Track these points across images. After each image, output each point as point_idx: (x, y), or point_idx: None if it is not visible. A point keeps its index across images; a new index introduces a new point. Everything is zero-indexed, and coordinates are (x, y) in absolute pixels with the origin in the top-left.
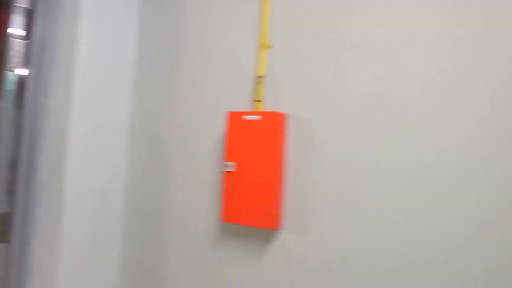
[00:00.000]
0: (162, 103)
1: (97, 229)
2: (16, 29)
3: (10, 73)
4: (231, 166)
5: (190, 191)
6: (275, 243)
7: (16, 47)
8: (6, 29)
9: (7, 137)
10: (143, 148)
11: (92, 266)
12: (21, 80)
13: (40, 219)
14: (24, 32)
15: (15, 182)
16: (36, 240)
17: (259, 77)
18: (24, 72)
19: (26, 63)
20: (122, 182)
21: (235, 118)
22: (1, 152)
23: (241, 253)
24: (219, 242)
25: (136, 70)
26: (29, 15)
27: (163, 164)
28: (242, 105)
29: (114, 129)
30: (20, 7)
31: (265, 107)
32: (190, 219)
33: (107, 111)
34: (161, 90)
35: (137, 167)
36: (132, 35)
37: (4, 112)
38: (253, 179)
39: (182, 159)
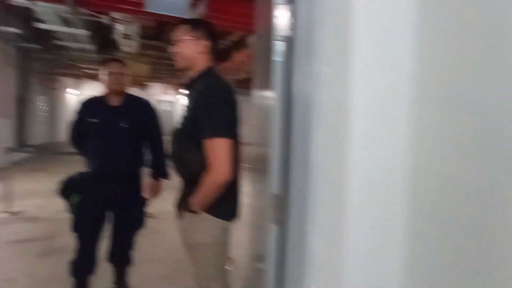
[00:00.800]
0: (472, 52)
1: (378, 223)
2: None
3: (276, 42)
4: None
5: None
6: None
7: (281, 13)
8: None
9: (278, 112)
10: (436, 121)
11: (375, 269)
12: (289, 48)
13: (318, 205)
14: None
15: (289, 162)
16: (314, 227)
17: None
18: (290, 39)
19: (292, 28)
20: (405, 167)
21: None
22: (273, 128)
23: None
24: None
25: (423, 10)
26: None
27: (488, 146)
28: None
29: (396, 96)
30: None
31: None
32: None
33: (388, 73)
34: (467, 31)
35: (427, 148)
36: None
37: (274, 84)
38: None
39: None
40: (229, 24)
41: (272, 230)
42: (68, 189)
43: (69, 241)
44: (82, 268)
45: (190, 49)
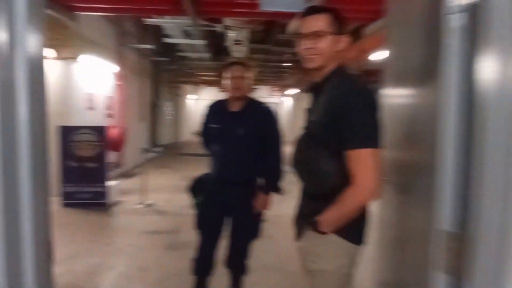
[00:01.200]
0: None
1: None
2: None
3: (449, 17)
4: None
5: None
6: None
7: None
8: None
9: (454, 113)
10: None
11: None
12: (473, 22)
13: None
14: None
15: (474, 187)
16: None
17: None
18: (476, 7)
19: None
20: None
21: None
22: (444, 136)
23: None
24: None
25: None
26: None
27: None
28: None
29: None
30: None
31: None
32: None
33: None
34: None
35: None
36: None
37: (446, 75)
38: None
39: None
40: (349, 15)
41: (440, 281)
42: (195, 188)
43: (191, 237)
44: (201, 268)
45: (331, 46)
